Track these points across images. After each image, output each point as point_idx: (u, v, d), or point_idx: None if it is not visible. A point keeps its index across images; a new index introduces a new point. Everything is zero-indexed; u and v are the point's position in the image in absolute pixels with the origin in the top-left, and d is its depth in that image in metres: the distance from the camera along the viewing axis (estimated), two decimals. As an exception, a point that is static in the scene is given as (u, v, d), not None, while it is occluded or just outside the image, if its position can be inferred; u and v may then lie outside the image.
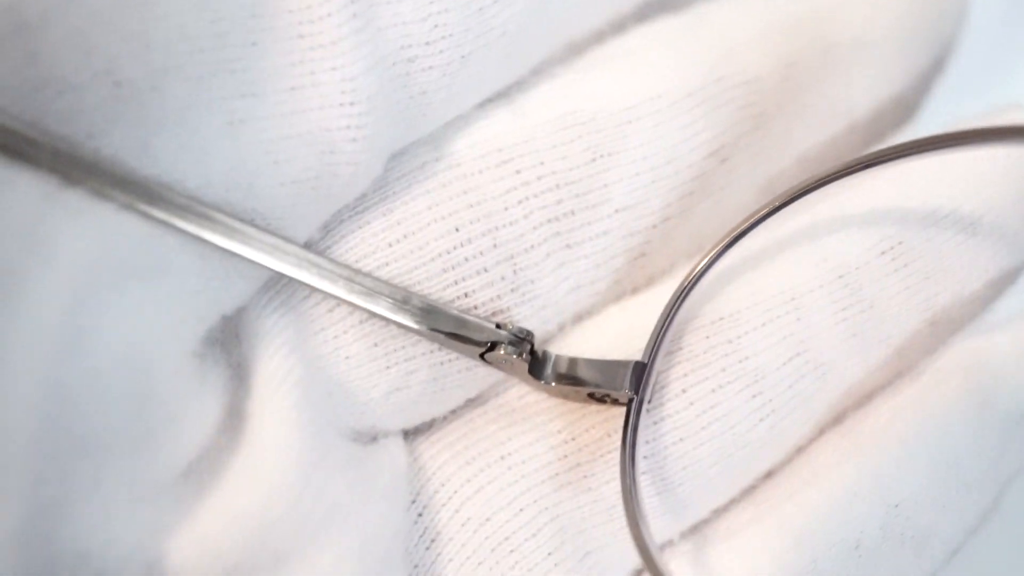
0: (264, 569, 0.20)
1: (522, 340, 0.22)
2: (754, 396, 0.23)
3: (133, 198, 0.20)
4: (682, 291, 0.23)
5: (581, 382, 0.23)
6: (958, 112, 0.25)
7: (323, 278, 0.21)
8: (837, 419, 0.25)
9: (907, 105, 0.27)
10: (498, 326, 0.22)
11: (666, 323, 0.23)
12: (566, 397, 0.24)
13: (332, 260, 0.22)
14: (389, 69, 0.22)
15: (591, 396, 0.23)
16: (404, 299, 0.22)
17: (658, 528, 0.23)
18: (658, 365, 0.23)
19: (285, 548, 0.20)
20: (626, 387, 0.22)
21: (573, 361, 0.23)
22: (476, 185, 0.23)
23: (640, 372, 0.23)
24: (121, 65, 0.20)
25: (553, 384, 0.23)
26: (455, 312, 0.22)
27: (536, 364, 0.23)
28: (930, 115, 0.27)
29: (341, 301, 0.22)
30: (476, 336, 0.22)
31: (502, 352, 0.22)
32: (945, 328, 0.25)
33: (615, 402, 0.23)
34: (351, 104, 0.21)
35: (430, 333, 0.22)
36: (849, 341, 0.24)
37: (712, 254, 0.23)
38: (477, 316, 0.23)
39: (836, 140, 0.26)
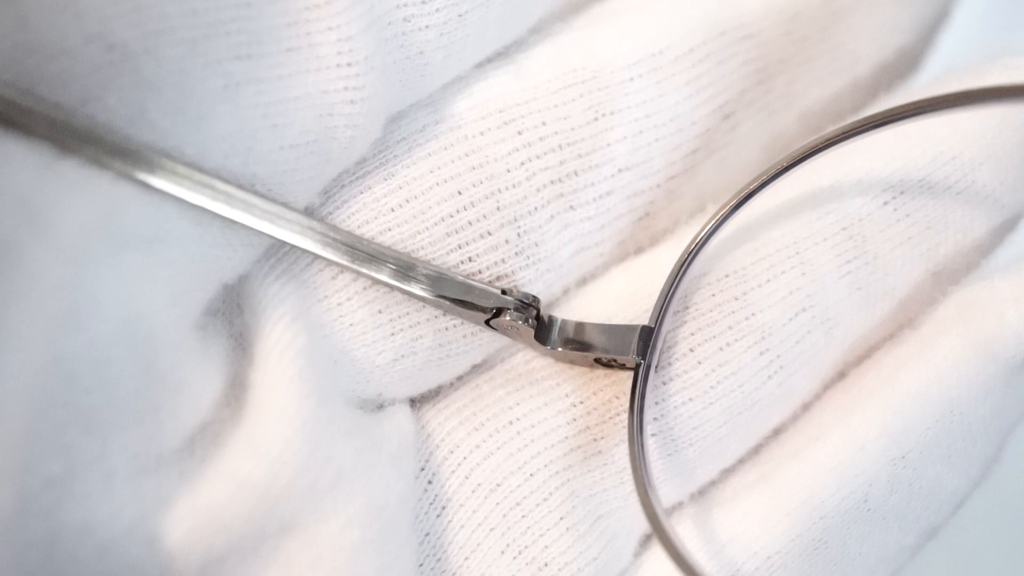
0: (270, 538, 0.20)
1: (528, 306, 0.22)
2: (762, 353, 0.23)
3: (131, 166, 0.19)
4: (688, 255, 0.23)
5: (588, 347, 0.23)
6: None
7: (326, 245, 0.21)
8: (841, 374, 0.25)
9: (912, 57, 0.27)
10: (503, 292, 0.22)
11: (672, 288, 0.23)
12: (572, 362, 0.23)
13: (335, 227, 0.22)
14: (385, 29, 0.21)
15: (598, 361, 0.23)
16: (409, 265, 0.22)
17: (668, 491, 0.24)
18: (665, 328, 0.23)
19: (291, 517, 0.20)
20: (633, 352, 0.22)
21: (579, 326, 0.23)
22: (478, 147, 0.23)
23: (647, 336, 0.22)
24: (113, 28, 0.19)
25: (559, 349, 0.23)
26: (460, 278, 0.22)
27: (542, 329, 0.23)
28: (935, 67, 0.27)
29: (345, 268, 0.22)
30: (482, 302, 0.22)
31: (508, 318, 0.22)
32: (947, 279, 0.25)
33: (622, 367, 0.23)
34: (348, 65, 0.21)
35: (435, 300, 0.22)
36: (855, 294, 0.24)
37: (718, 217, 0.23)
38: (482, 282, 0.22)
39: (840, 94, 0.26)
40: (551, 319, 0.23)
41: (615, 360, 0.23)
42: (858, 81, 0.26)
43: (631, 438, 0.22)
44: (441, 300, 0.22)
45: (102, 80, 0.19)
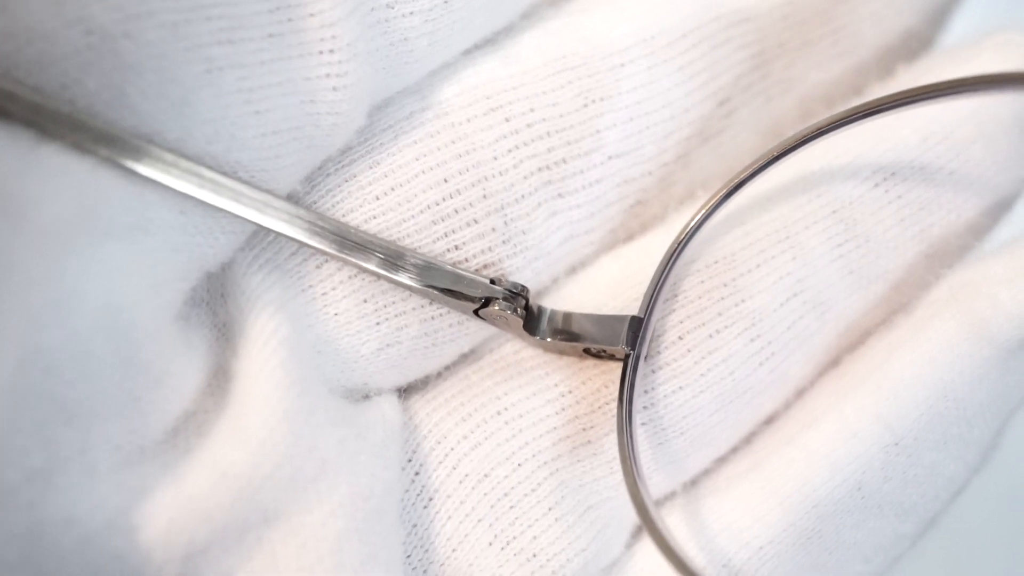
0: (253, 528, 0.20)
1: (516, 295, 0.22)
2: (753, 339, 0.23)
3: (113, 152, 0.19)
4: (677, 245, 0.22)
5: (576, 337, 0.22)
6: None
7: (314, 234, 0.21)
8: (834, 360, 0.25)
9: (922, 39, 0.26)
10: (492, 281, 0.22)
11: (662, 279, 0.22)
12: (561, 352, 0.23)
13: (323, 215, 0.21)
14: (368, 15, 0.21)
15: (587, 352, 0.23)
16: (397, 254, 0.21)
17: (659, 481, 0.23)
18: (655, 318, 0.23)
19: (274, 507, 0.20)
20: (622, 342, 0.22)
21: (568, 316, 0.23)
22: (464, 134, 0.22)
23: (637, 327, 0.22)
24: (92, 11, 0.19)
25: (548, 340, 0.23)
26: (449, 267, 0.22)
27: (531, 320, 0.22)
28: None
29: (332, 257, 0.21)
30: (470, 292, 0.22)
31: (496, 308, 0.22)
32: (940, 261, 0.24)
33: (612, 357, 0.23)
34: (331, 52, 0.21)
35: (423, 289, 0.22)
36: (847, 278, 0.24)
37: (708, 207, 0.22)
38: (470, 271, 0.22)
39: (842, 78, 0.25)
40: (540, 309, 0.23)
41: (604, 351, 0.22)
42: (862, 65, 0.25)
43: (620, 428, 0.22)
44: (429, 290, 0.22)
45: (82, 64, 0.19)
